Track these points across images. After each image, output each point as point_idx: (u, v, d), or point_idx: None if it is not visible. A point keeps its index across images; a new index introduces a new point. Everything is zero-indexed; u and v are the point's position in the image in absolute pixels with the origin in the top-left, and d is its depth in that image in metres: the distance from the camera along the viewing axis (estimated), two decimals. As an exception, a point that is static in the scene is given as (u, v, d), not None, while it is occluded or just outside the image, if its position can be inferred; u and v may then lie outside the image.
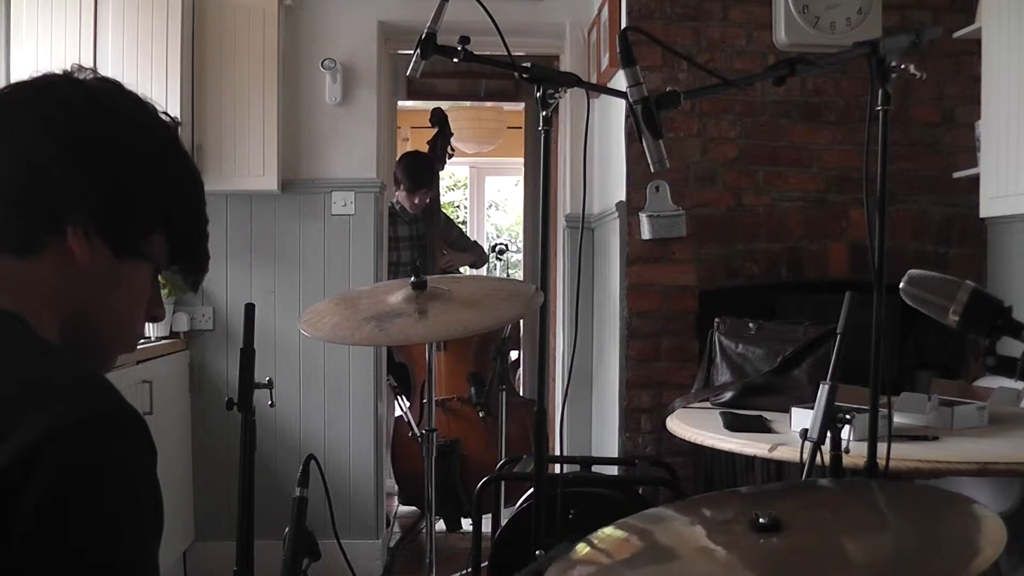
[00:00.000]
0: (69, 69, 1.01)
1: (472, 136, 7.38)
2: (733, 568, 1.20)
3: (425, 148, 5.23)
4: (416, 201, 4.92)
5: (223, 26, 3.76)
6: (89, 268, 0.96)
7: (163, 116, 1.04)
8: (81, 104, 0.97)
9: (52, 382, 0.86)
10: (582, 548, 1.30)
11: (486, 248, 5.87)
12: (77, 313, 0.97)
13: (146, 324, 1.08)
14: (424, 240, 5.08)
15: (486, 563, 2.71)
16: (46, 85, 0.99)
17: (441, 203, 5.30)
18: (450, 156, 5.26)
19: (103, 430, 0.83)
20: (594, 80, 3.75)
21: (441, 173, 5.27)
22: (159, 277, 1.07)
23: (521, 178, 6.76)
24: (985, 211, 3.00)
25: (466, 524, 4.44)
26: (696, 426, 2.51)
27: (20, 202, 0.94)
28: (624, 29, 1.66)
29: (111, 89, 1.01)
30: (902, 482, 2.03)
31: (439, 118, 5.17)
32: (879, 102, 1.74)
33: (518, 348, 5.97)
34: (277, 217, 4.02)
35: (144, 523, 0.86)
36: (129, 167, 0.98)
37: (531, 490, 2.28)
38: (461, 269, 5.53)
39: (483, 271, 5.56)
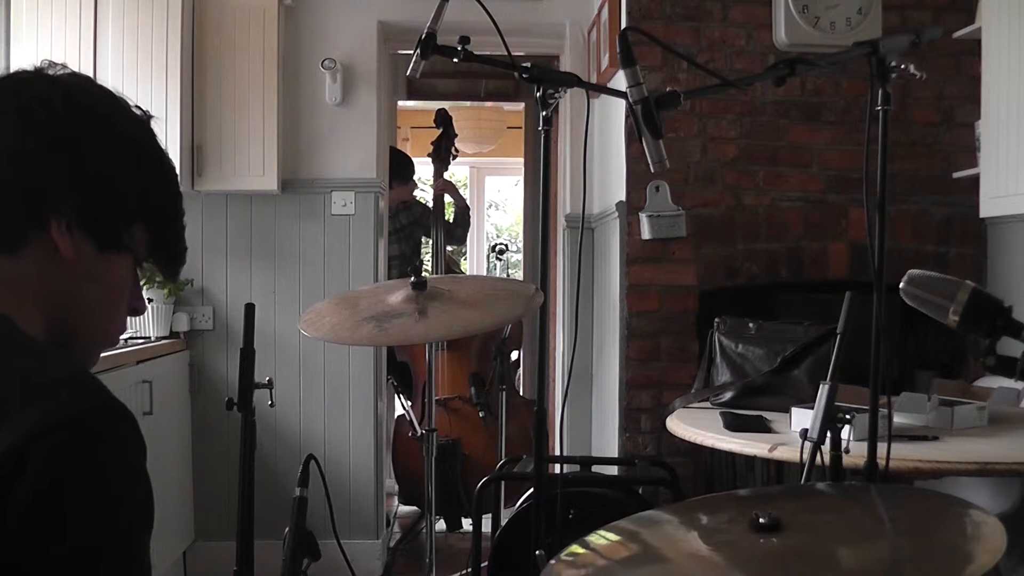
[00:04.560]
0: (40, 65, 1.01)
1: (472, 136, 7.38)
2: (728, 567, 1.20)
3: (428, 148, 5.23)
4: (390, 194, 4.92)
5: (223, 26, 3.76)
6: (73, 263, 0.97)
7: (136, 110, 1.04)
8: (59, 100, 0.97)
9: (40, 380, 0.86)
10: (577, 550, 1.30)
11: (486, 247, 5.87)
12: (62, 308, 0.98)
13: (127, 318, 1.09)
14: (408, 231, 5.09)
15: (486, 563, 2.71)
16: (21, 82, 0.99)
17: (418, 198, 5.31)
18: (454, 157, 5.25)
19: (92, 426, 0.84)
20: (594, 80, 3.75)
21: (445, 174, 5.27)
22: (139, 270, 1.07)
23: (521, 178, 6.77)
24: (985, 211, 3.00)
25: (466, 524, 4.44)
26: (696, 426, 2.51)
27: (3, 199, 0.94)
28: (624, 29, 1.66)
29: (85, 84, 1.01)
30: (903, 486, 2.03)
31: (443, 119, 5.16)
32: (879, 102, 1.74)
33: (518, 348, 5.97)
34: (277, 217, 4.02)
35: (136, 517, 0.86)
36: (109, 160, 0.99)
37: (531, 490, 2.28)
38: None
39: (483, 271, 5.56)
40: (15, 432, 0.80)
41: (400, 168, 4.94)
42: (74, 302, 0.99)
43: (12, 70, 1.01)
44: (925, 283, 1.40)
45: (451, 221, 5.45)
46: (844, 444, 1.75)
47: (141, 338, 3.71)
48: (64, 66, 1.01)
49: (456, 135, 5.24)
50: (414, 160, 5.41)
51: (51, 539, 0.80)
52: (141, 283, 1.09)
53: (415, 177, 5.36)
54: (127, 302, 1.06)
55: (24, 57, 3.52)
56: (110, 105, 1.02)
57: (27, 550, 0.79)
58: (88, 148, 0.97)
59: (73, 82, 1.00)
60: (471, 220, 5.75)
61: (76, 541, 0.81)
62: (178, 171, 3.88)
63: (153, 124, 1.06)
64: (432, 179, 5.19)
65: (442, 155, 5.13)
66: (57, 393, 0.85)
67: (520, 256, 7.19)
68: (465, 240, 5.87)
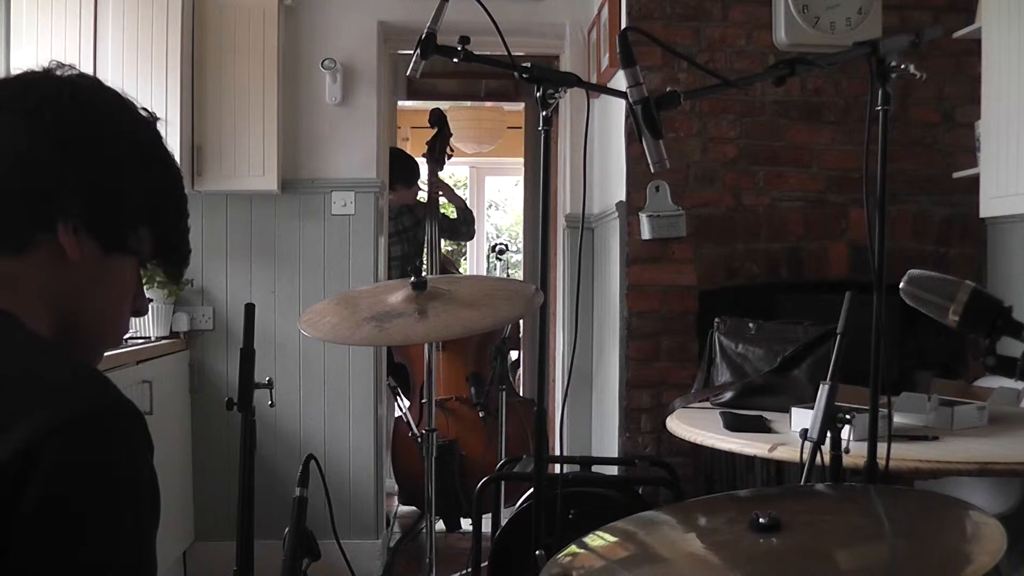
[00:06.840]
0: (49, 66, 1.01)
1: (472, 136, 7.37)
2: (727, 568, 1.20)
3: (424, 148, 5.22)
4: (392, 197, 4.93)
5: (223, 26, 3.76)
6: (79, 264, 0.97)
7: (143, 111, 1.05)
8: (66, 101, 0.97)
9: (50, 378, 0.87)
10: (575, 550, 1.30)
11: (486, 247, 5.87)
12: (68, 309, 0.98)
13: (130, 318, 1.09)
14: (412, 232, 5.09)
15: (486, 563, 2.71)
16: (29, 82, 0.99)
17: (424, 199, 5.30)
18: (449, 156, 5.24)
19: (103, 425, 0.84)
20: (594, 80, 3.75)
21: (440, 173, 5.26)
22: (141, 272, 1.08)
23: (521, 178, 6.76)
24: (985, 211, 3.00)
25: (466, 524, 4.44)
26: (696, 426, 2.51)
27: (10, 200, 0.95)
28: (624, 29, 1.66)
29: (92, 85, 1.01)
30: (902, 487, 2.03)
31: (438, 118, 5.15)
32: (879, 102, 1.74)
33: (518, 348, 5.96)
34: (277, 217, 4.02)
35: (144, 516, 0.87)
36: (116, 162, 0.99)
37: (531, 490, 2.28)
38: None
39: (483, 271, 5.55)
40: (27, 429, 0.80)
41: (405, 171, 4.95)
42: (80, 303, 0.99)
43: (20, 71, 1.01)
44: (925, 283, 1.40)
45: (456, 219, 5.44)
46: (844, 444, 1.75)
47: (141, 338, 3.71)
48: (72, 67, 1.01)
49: (451, 135, 5.22)
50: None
51: (62, 537, 0.80)
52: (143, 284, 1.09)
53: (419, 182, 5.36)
54: (131, 303, 1.06)
55: (24, 58, 3.51)
56: (117, 107, 1.02)
57: (38, 547, 0.79)
58: (95, 151, 0.98)
59: (81, 83, 1.00)
60: (474, 217, 5.76)
61: (86, 540, 0.81)
62: (178, 171, 3.85)
63: (158, 126, 1.06)
64: (427, 179, 5.19)
65: (436, 155, 5.12)
66: (69, 391, 0.85)
67: (520, 256, 7.19)
68: (472, 237, 5.85)
